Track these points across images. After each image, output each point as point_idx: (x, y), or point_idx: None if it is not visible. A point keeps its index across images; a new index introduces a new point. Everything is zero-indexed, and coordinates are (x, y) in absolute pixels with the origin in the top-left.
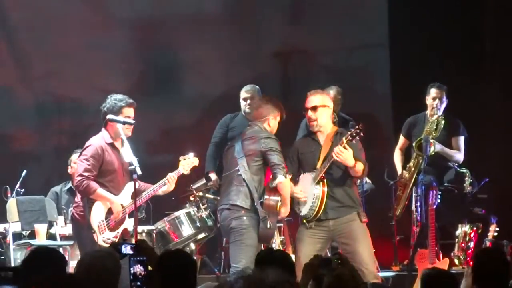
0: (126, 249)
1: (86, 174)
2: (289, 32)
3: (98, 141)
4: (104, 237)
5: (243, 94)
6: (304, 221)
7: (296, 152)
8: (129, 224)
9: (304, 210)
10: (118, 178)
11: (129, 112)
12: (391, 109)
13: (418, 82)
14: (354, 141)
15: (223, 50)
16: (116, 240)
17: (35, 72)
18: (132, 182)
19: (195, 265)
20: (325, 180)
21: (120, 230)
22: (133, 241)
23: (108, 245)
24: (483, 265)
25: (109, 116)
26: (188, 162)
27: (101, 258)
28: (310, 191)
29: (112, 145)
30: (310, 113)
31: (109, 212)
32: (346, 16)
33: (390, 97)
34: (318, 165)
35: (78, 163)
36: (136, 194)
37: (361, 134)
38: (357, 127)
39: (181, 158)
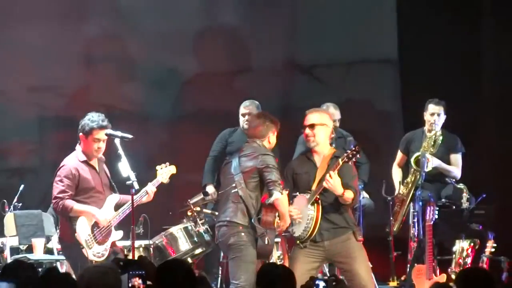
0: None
1: (60, 195)
2: (290, 46)
3: (71, 160)
4: (94, 252)
5: (242, 109)
6: (298, 242)
7: (291, 172)
8: (115, 236)
9: (297, 231)
10: (97, 194)
11: (101, 134)
12: (392, 124)
13: (423, 98)
14: (350, 163)
15: (221, 64)
16: (107, 254)
17: (34, 85)
18: (115, 195)
19: (193, 274)
20: (320, 202)
21: (108, 243)
22: (130, 256)
23: (99, 259)
24: (469, 282)
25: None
26: (165, 170)
27: (101, 273)
28: (304, 212)
29: (86, 162)
30: (307, 130)
31: (94, 226)
32: (350, 30)
33: (390, 113)
34: (313, 187)
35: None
36: (119, 207)
37: (358, 156)
38: (353, 149)
39: (158, 167)
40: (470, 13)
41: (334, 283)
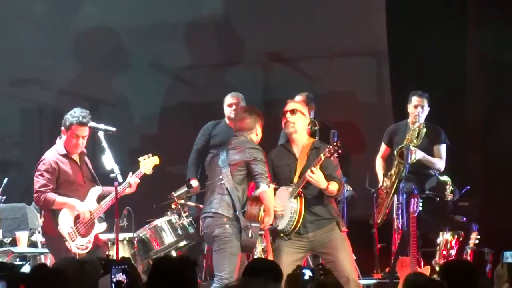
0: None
1: (42, 189)
2: (275, 39)
3: (51, 154)
4: (77, 244)
5: (229, 100)
6: (282, 235)
7: (271, 164)
8: (99, 228)
9: (281, 224)
10: (78, 187)
11: (79, 131)
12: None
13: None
14: (332, 158)
15: (205, 58)
16: (90, 246)
17: (18, 79)
18: (97, 187)
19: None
20: (302, 195)
21: (92, 235)
22: (114, 249)
23: (82, 252)
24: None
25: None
26: (148, 162)
27: (76, 264)
28: (287, 205)
29: (66, 155)
30: (288, 115)
31: (77, 218)
32: (339, 23)
33: (374, 105)
34: (295, 180)
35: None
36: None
37: (339, 151)
38: (335, 144)
39: (140, 158)
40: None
41: (321, 272)
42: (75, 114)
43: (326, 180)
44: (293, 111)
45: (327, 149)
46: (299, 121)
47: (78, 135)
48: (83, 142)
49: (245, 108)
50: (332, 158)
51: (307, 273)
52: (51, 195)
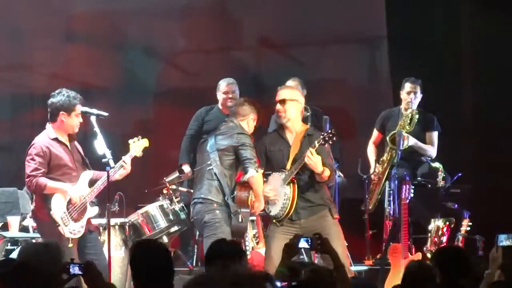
0: (74, 270)
1: (33, 173)
2: (266, 25)
3: (42, 138)
4: (70, 229)
5: (225, 87)
6: (274, 221)
7: (264, 149)
8: (91, 213)
9: (274, 210)
10: (70, 171)
11: (80, 109)
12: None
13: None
14: (326, 145)
15: (197, 43)
16: (83, 231)
17: (8, 64)
18: (88, 171)
19: (169, 255)
20: (295, 181)
21: (84, 220)
22: (106, 234)
23: (75, 236)
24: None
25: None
26: (138, 144)
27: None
28: (280, 191)
29: (56, 140)
30: (278, 106)
31: (69, 203)
32: (338, 8)
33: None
34: (288, 166)
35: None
36: (92, 183)
37: (334, 139)
38: (329, 131)
39: (130, 141)
40: None
41: (318, 241)
42: (72, 94)
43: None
44: (282, 101)
45: (321, 136)
46: (290, 109)
47: (80, 113)
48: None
49: (248, 98)
50: (326, 145)
51: (305, 242)
52: (43, 180)
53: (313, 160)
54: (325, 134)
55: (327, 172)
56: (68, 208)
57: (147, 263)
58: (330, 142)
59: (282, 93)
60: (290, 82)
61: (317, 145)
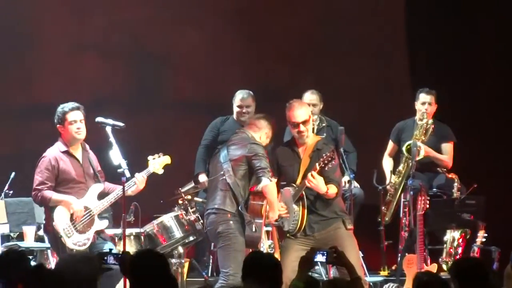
0: (110, 260)
1: (39, 187)
2: (284, 37)
3: (52, 151)
4: (73, 241)
5: (239, 101)
6: (288, 235)
7: (275, 162)
8: (100, 226)
9: (286, 226)
10: (78, 184)
11: (74, 115)
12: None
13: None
14: (326, 168)
15: (213, 54)
16: (89, 243)
17: (25, 74)
18: (98, 184)
19: (166, 265)
20: (304, 198)
21: (91, 232)
22: (121, 244)
23: (80, 248)
24: (464, 272)
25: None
26: (158, 161)
27: (75, 261)
28: (290, 206)
29: (67, 152)
30: (302, 128)
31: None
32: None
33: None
34: (299, 181)
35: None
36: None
37: (333, 162)
38: (328, 154)
39: (150, 157)
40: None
41: (334, 255)
42: (63, 105)
43: (325, 183)
44: (304, 122)
45: (321, 159)
46: (310, 127)
47: (75, 120)
48: (83, 125)
49: (267, 115)
50: (326, 168)
51: (321, 256)
52: (48, 193)
53: (314, 183)
54: (325, 157)
55: (332, 190)
56: (72, 220)
57: (145, 272)
58: (330, 166)
59: (300, 114)
60: (308, 95)
61: (318, 168)
